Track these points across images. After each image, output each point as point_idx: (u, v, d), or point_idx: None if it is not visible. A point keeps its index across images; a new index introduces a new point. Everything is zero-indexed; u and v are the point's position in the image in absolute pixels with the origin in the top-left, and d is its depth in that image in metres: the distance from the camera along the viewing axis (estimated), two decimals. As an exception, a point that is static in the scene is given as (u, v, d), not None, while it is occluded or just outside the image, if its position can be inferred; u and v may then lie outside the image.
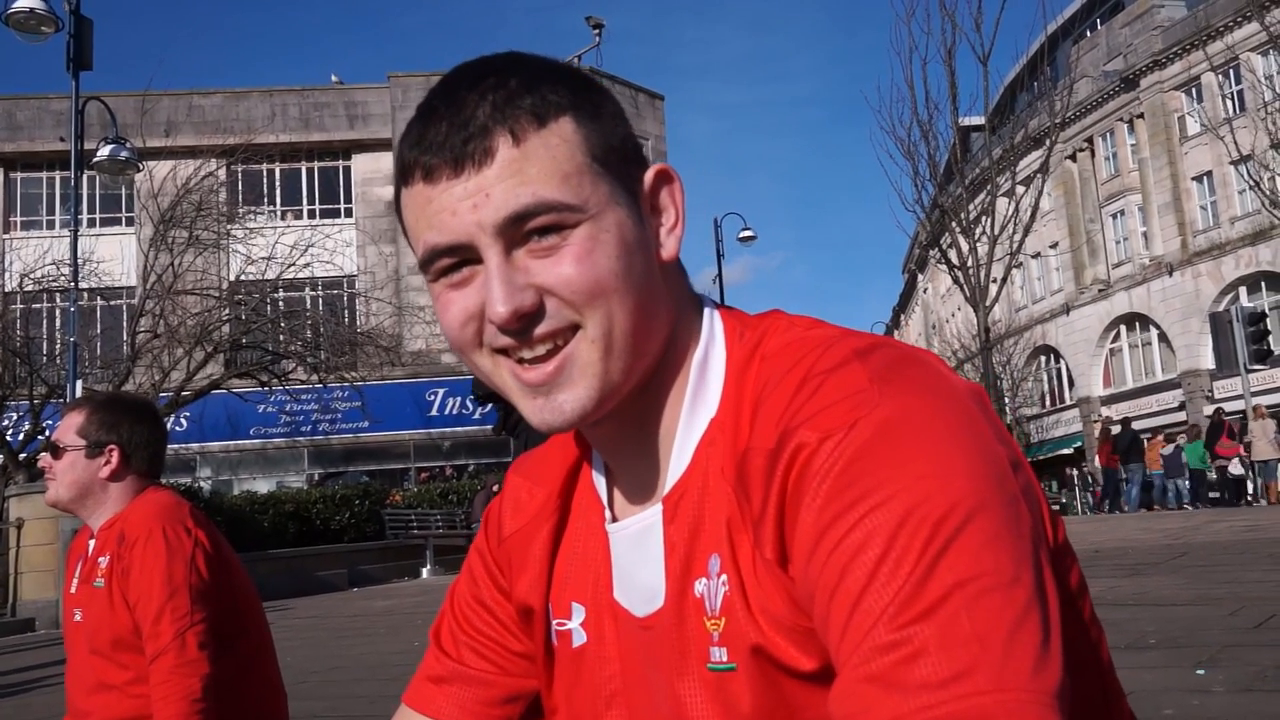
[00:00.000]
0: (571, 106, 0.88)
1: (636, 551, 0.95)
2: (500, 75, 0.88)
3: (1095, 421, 41.49)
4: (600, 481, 1.02)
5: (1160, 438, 24.93)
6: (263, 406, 26.22)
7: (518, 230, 0.85)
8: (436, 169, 0.86)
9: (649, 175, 0.93)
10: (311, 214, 31.92)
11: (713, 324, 0.96)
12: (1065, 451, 42.61)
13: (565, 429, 0.90)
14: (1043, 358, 45.60)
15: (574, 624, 1.01)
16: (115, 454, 2.63)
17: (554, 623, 1.03)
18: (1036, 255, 43.72)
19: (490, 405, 6.86)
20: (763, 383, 0.86)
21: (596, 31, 34.59)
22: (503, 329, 0.86)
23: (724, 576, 0.87)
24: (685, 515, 0.91)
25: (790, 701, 0.84)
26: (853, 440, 0.77)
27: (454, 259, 0.87)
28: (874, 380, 0.80)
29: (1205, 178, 37.87)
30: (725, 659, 0.87)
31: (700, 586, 0.89)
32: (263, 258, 22.39)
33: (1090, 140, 42.57)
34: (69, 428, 2.66)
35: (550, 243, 0.85)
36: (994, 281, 26.38)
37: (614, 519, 0.99)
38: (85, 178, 20.75)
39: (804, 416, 0.80)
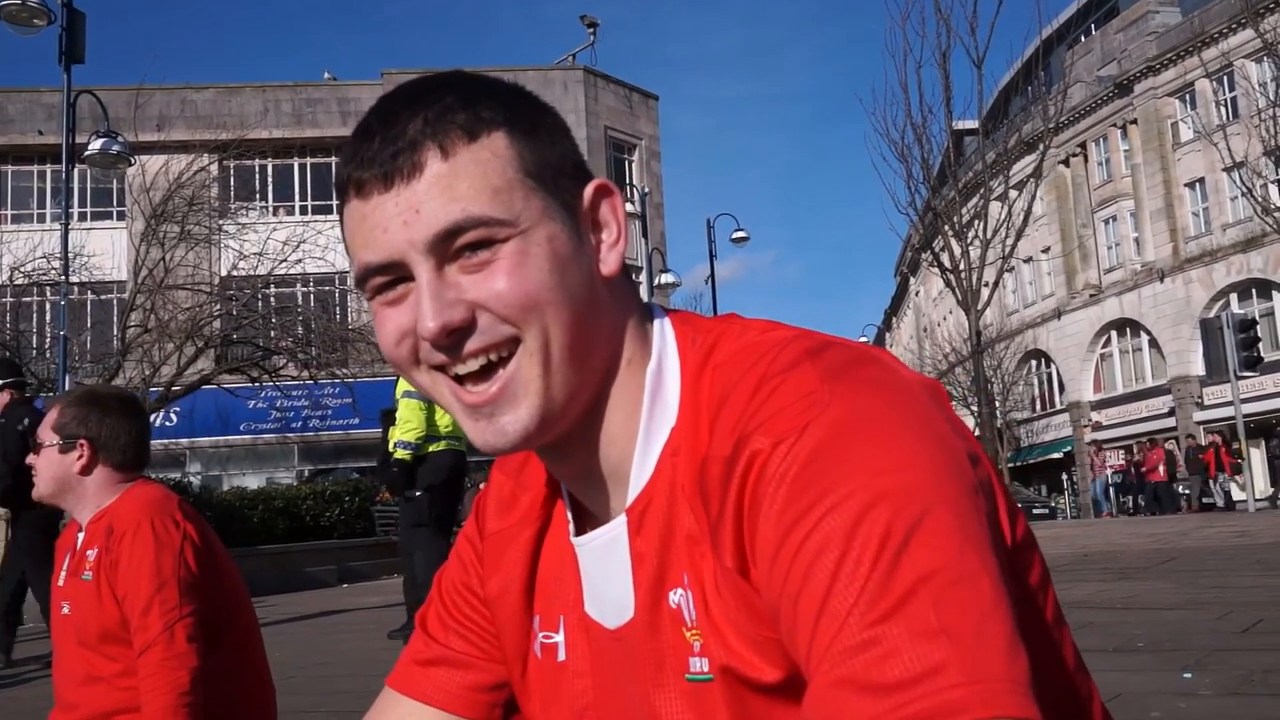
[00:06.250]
0: (506, 122, 0.88)
1: (604, 564, 0.95)
2: (436, 92, 0.89)
3: (1085, 426, 41.64)
4: (567, 494, 1.01)
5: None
6: (253, 402, 26.15)
7: (448, 246, 0.85)
8: (368, 184, 0.86)
9: (589, 190, 0.92)
10: (303, 210, 31.88)
11: (664, 333, 0.95)
12: (1055, 456, 42.74)
13: (509, 451, 0.90)
14: (1033, 362, 45.70)
15: (560, 638, 1.00)
16: (86, 448, 2.64)
17: (541, 635, 1.02)
18: (1029, 260, 43.86)
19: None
20: (718, 389, 0.86)
21: (591, 30, 34.62)
22: (433, 344, 0.86)
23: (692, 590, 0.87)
24: (653, 525, 0.90)
25: (758, 715, 0.84)
26: (805, 443, 0.76)
27: (388, 277, 0.88)
28: (825, 380, 0.80)
29: (1198, 184, 37.99)
30: (705, 669, 0.86)
31: (676, 597, 0.88)
32: (254, 253, 22.34)
33: (1083, 145, 42.68)
34: (47, 424, 2.68)
35: (481, 258, 0.85)
36: (986, 285, 26.44)
37: (578, 532, 0.98)
38: (77, 171, 20.69)
39: (757, 422, 0.80)
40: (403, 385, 7.15)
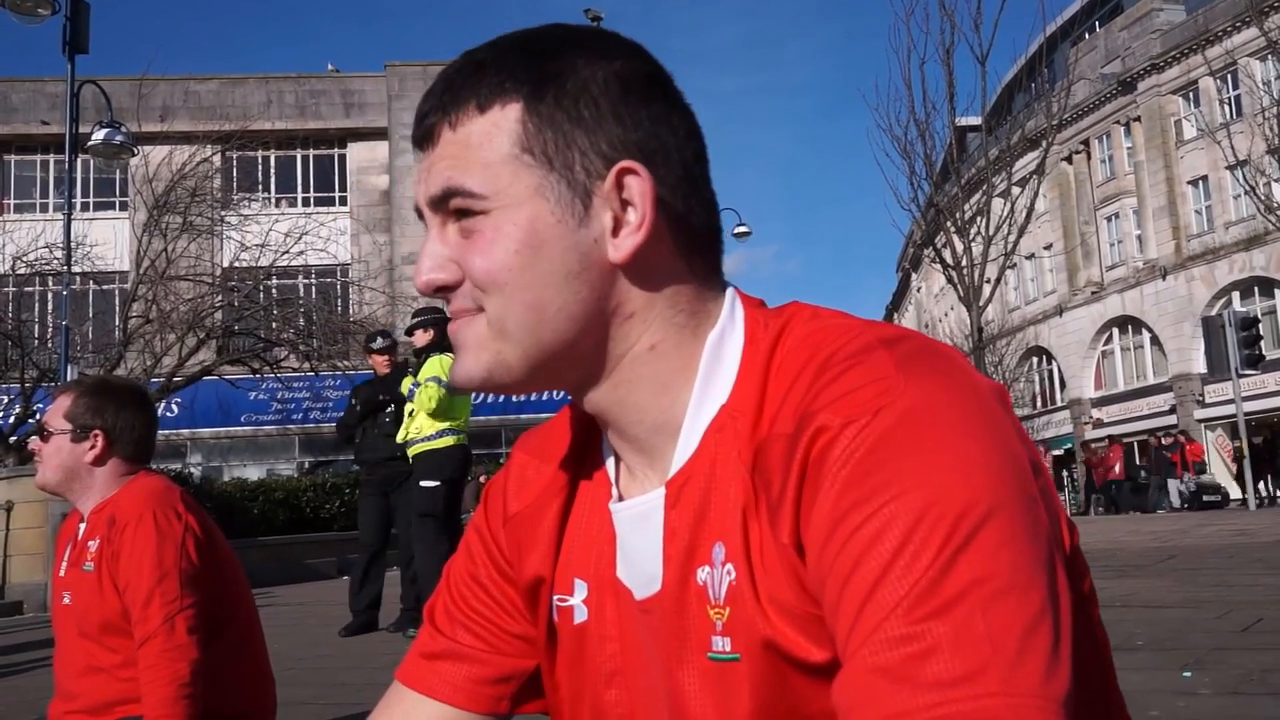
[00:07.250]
0: (531, 95, 0.89)
1: (637, 534, 0.94)
2: (478, 59, 0.92)
3: (1085, 423, 41.62)
4: (610, 458, 1.01)
5: None
6: (254, 394, 26.17)
7: (445, 207, 0.91)
8: (416, 141, 0.94)
9: (611, 174, 0.89)
10: (306, 202, 31.90)
11: (734, 312, 0.94)
12: (1056, 453, 42.71)
13: (465, 390, 0.96)
14: (1035, 359, 45.65)
15: (575, 600, 1.00)
16: (100, 439, 2.62)
17: (555, 599, 1.02)
18: (1031, 256, 43.80)
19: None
20: (788, 371, 0.85)
21: (596, 24, 34.56)
22: (424, 295, 0.94)
23: (729, 565, 0.86)
24: (689, 501, 0.89)
25: (796, 694, 0.83)
26: (875, 428, 0.76)
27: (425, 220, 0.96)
28: (900, 369, 0.79)
29: (1201, 182, 37.94)
30: (728, 649, 0.86)
31: (703, 574, 0.87)
32: (256, 245, 22.32)
33: (1086, 143, 42.61)
34: (57, 411, 2.65)
35: (468, 226, 0.90)
36: (988, 282, 26.39)
37: (620, 498, 0.98)
38: (80, 161, 20.67)
39: (825, 400, 0.79)
40: (425, 372, 7.20)
